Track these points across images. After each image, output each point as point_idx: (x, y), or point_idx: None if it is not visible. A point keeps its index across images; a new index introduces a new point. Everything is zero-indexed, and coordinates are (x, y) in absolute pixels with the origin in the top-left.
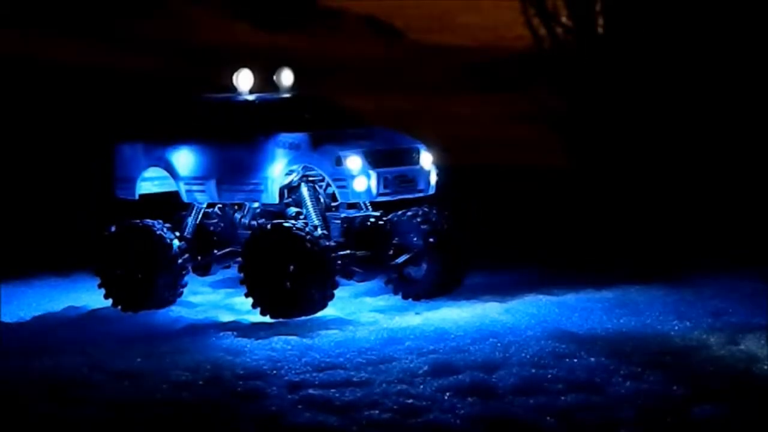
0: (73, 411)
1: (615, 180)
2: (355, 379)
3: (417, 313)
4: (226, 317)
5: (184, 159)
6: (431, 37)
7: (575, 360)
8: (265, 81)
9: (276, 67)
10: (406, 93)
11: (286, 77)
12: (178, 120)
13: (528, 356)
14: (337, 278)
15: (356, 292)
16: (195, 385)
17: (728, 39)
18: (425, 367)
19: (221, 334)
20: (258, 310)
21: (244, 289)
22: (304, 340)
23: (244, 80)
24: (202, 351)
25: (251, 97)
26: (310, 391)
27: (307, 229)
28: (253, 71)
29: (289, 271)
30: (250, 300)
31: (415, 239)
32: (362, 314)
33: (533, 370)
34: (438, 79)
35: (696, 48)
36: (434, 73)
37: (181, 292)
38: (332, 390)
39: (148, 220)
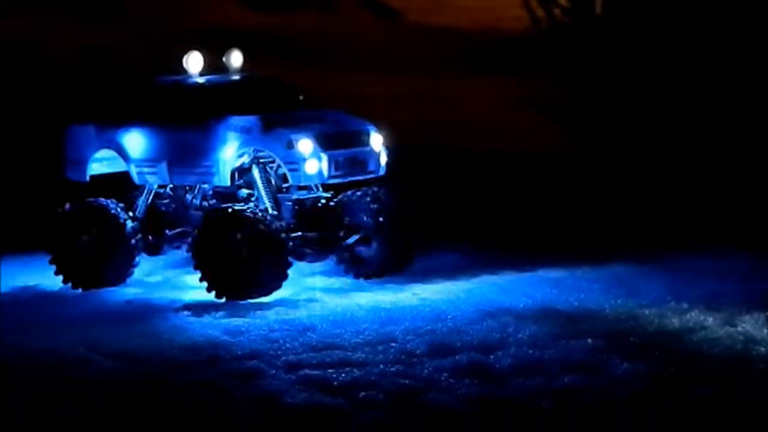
0: (72, 391)
1: (614, 165)
2: (352, 359)
3: (414, 294)
4: (189, 296)
5: (136, 141)
6: (430, 18)
7: (572, 341)
8: (255, 63)
9: (266, 48)
10: (403, 75)
11: (236, 58)
12: (129, 102)
13: (525, 337)
14: (290, 259)
15: (304, 273)
16: (192, 366)
17: (730, 21)
18: (423, 348)
19: (205, 313)
20: (213, 292)
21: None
22: (302, 320)
23: (194, 62)
24: (198, 330)
25: (202, 79)
26: (308, 371)
27: (258, 211)
28: (245, 52)
29: (242, 253)
30: (199, 280)
31: (365, 219)
32: (317, 293)
33: (530, 351)
34: (436, 61)
35: (697, 30)
36: (432, 54)
37: (133, 272)
38: (330, 370)
39: (103, 200)
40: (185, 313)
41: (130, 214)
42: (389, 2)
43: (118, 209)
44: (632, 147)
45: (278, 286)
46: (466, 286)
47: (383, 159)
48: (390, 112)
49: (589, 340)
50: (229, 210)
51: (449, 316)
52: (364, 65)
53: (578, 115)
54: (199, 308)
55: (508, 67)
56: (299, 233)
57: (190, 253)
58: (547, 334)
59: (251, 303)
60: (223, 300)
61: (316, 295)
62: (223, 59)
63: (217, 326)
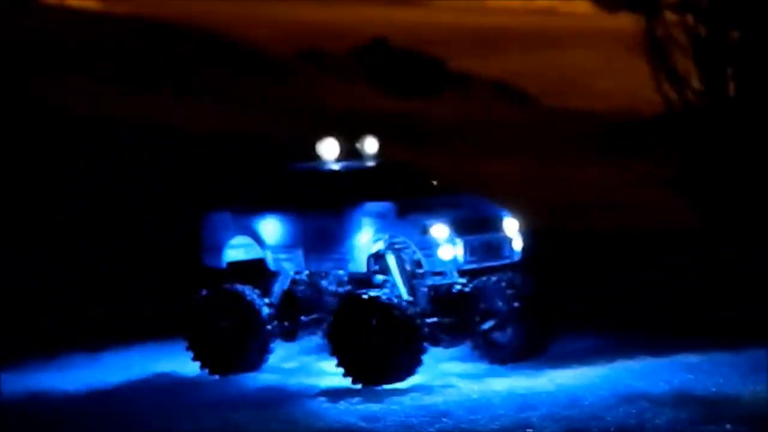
0: None
1: (746, 240)
2: None
3: (547, 378)
4: (324, 382)
5: (271, 228)
6: (565, 101)
7: (711, 426)
8: (388, 148)
9: (402, 134)
10: (537, 158)
11: (370, 145)
12: (265, 189)
13: (663, 423)
14: (425, 344)
15: (439, 359)
16: None
17: None
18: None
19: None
20: (349, 378)
21: (331, 356)
22: (438, 406)
23: (328, 149)
24: (334, 416)
25: (336, 166)
26: None
27: (393, 297)
28: (381, 137)
29: (377, 339)
30: (336, 366)
31: (500, 304)
32: (453, 379)
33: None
34: (569, 144)
35: None
36: (565, 137)
37: (268, 358)
38: None
39: (239, 286)
40: (321, 398)
41: (266, 300)
42: (524, 88)
43: (254, 295)
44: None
45: (413, 372)
46: (602, 371)
47: (518, 244)
48: (522, 194)
49: (728, 426)
50: (365, 296)
51: (586, 402)
52: (497, 150)
53: (710, 193)
54: (334, 394)
55: (641, 149)
56: (434, 319)
57: (325, 339)
58: (685, 420)
59: (387, 389)
60: (359, 386)
61: (451, 381)
62: (357, 145)
63: (353, 412)
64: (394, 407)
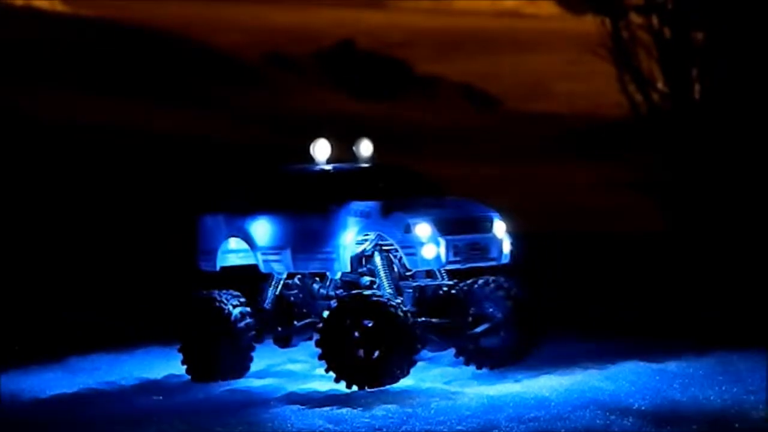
0: None
1: (714, 244)
2: None
3: (516, 381)
4: (309, 386)
5: (261, 229)
6: (528, 105)
7: (677, 428)
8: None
9: (368, 137)
10: (500, 161)
11: (365, 147)
12: (256, 191)
13: (629, 424)
14: (419, 345)
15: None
16: None
17: None
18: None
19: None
20: (341, 382)
21: (321, 362)
22: (405, 408)
23: (320, 150)
24: (300, 419)
25: (327, 167)
26: None
27: (389, 298)
28: (345, 141)
29: (374, 341)
30: (326, 371)
31: (491, 309)
32: (421, 382)
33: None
34: (533, 147)
35: None
36: (530, 140)
37: (249, 365)
38: None
39: (214, 291)
40: (291, 403)
41: (241, 302)
42: (489, 91)
43: (225, 299)
44: (734, 227)
45: (406, 374)
46: (571, 374)
47: (506, 246)
48: (486, 197)
49: (694, 427)
50: (360, 296)
51: (552, 403)
52: (461, 153)
53: (678, 196)
54: (306, 399)
55: (606, 151)
56: (423, 318)
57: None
58: (651, 422)
59: (354, 394)
60: (353, 389)
61: (420, 385)
62: (353, 148)
63: (320, 415)
64: (360, 409)
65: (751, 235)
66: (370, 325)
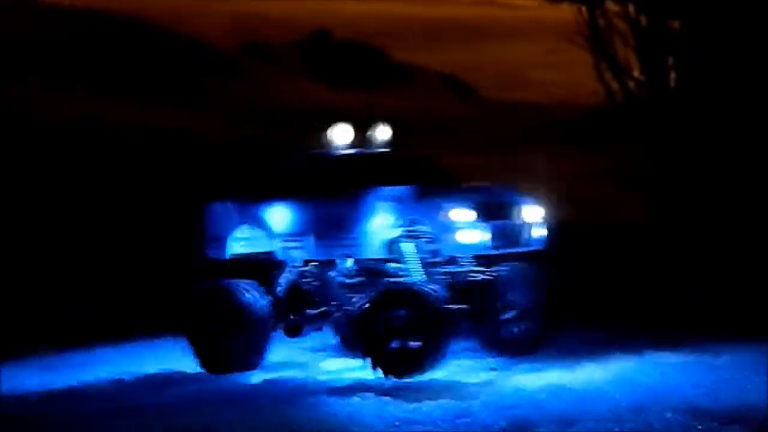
0: None
1: (697, 234)
2: None
3: (492, 369)
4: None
5: (280, 216)
6: (506, 94)
7: (652, 414)
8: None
9: (348, 125)
10: (484, 150)
11: (382, 132)
12: (271, 177)
13: (604, 410)
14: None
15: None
16: None
17: None
18: (502, 422)
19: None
20: (377, 371)
21: (338, 351)
22: (383, 396)
23: (341, 135)
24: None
25: (352, 151)
26: None
27: (428, 288)
28: (321, 131)
29: (416, 330)
30: (339, 361)
31: (519, 296)
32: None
33: (610, 425)
34: (512, 136)
35: None
36: (508, 130)
37: (264, 356)
38: None
39: (230, 280)
40: (298, 395)
41: (263, 294)
42: (467, 80)
43: (246, 290)
44: (716, 215)
45: (440, 363)
46: (550, 362)
47: (541, 232)
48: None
49: (669, 414)
50: (400, 286)
51: (527, 390)
52: (442, 143)
53: (658, 185)
54: (301, 390)
55: (590, 141)
56: (454, 307)
57: (338, 335)
58: (626, 407)
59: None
60: (394, 379)
61: (448, 377)
62: (370, 133)
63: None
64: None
65: (734, 224)
66: (410, 314)
